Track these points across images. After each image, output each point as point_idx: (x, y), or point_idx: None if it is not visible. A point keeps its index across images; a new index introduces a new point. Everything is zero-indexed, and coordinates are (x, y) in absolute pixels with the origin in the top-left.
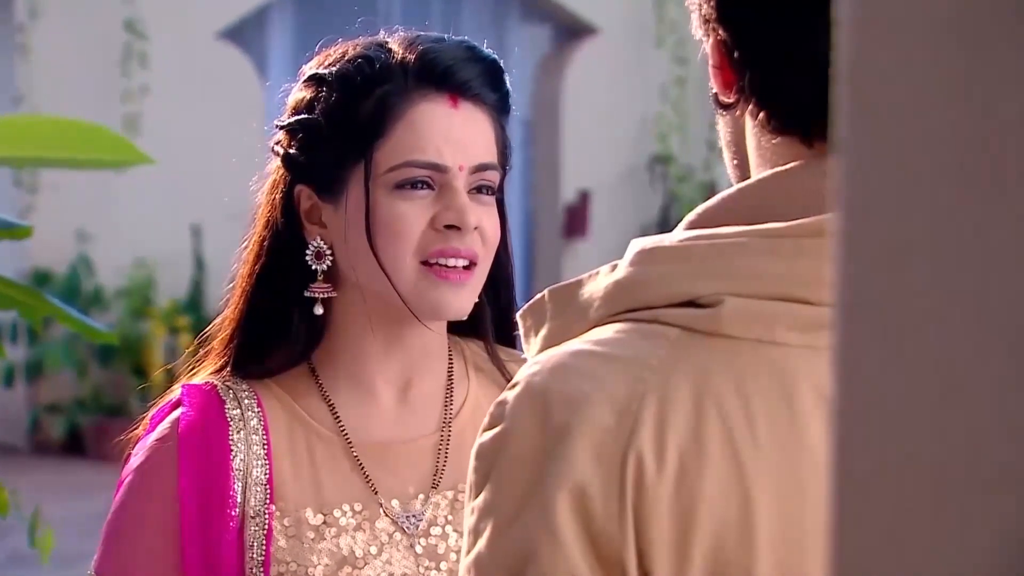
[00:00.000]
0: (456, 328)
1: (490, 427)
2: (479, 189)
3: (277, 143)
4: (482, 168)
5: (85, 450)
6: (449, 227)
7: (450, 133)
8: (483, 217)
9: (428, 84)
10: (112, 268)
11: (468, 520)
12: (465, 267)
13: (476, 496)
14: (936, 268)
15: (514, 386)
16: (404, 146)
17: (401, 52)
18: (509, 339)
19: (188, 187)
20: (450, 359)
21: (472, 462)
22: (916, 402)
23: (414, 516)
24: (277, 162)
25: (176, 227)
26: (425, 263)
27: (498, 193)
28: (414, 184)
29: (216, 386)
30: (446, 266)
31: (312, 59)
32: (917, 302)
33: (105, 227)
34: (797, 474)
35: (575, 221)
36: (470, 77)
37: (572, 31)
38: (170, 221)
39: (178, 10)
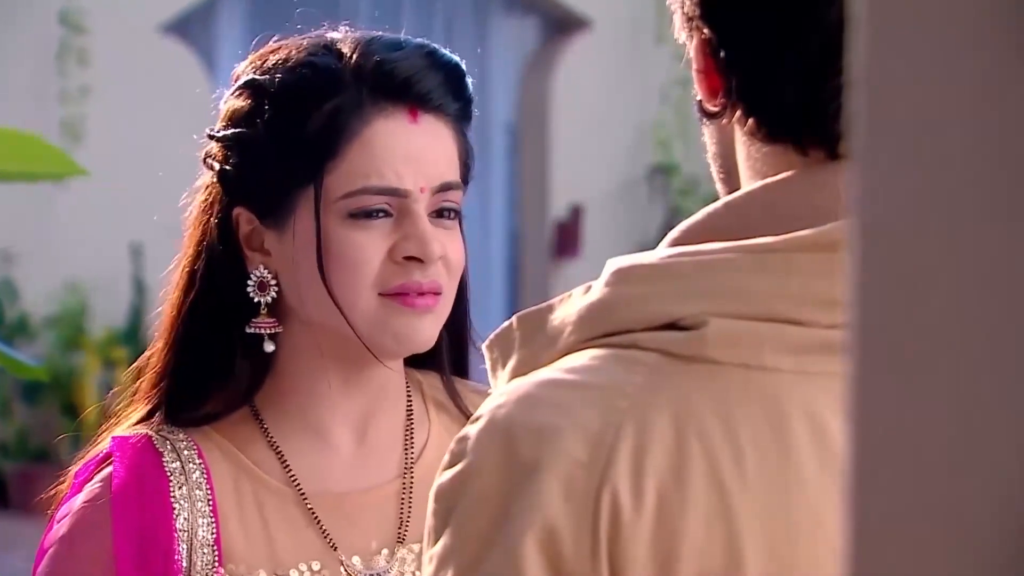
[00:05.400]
0: (410, 360)
1: (450, 465)
2: (441, 213)
3: (209, 155)
4: (445, 188)
5: (8, 500)
6: (410, 258)
7: (409, 152)
8: (446, 244)
9: (385, 97)
10: (39, 293)
11: (426, 570)
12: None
13: (435, 542)
14: (960, 290)
15: (476, 420)
16: (359, 170)
17: (353, 58)
18: (465, 369)
19: (126, 200)
20: (409, 397)
21: (431, 505)
22: (939, 440)
23: (379, 574)
24: (209, 176)
25: (113, 246)
26: (384, 294)
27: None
28: (370, 213)
29: (151, 437)
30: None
31: (246, 58)
32: (938, 327)
33: (31, 246)
34: (788, 510)
35: (566, 239)
36: (431, 87)
37: (562, 25)
38: (106, 239)
39: (116, 1)
